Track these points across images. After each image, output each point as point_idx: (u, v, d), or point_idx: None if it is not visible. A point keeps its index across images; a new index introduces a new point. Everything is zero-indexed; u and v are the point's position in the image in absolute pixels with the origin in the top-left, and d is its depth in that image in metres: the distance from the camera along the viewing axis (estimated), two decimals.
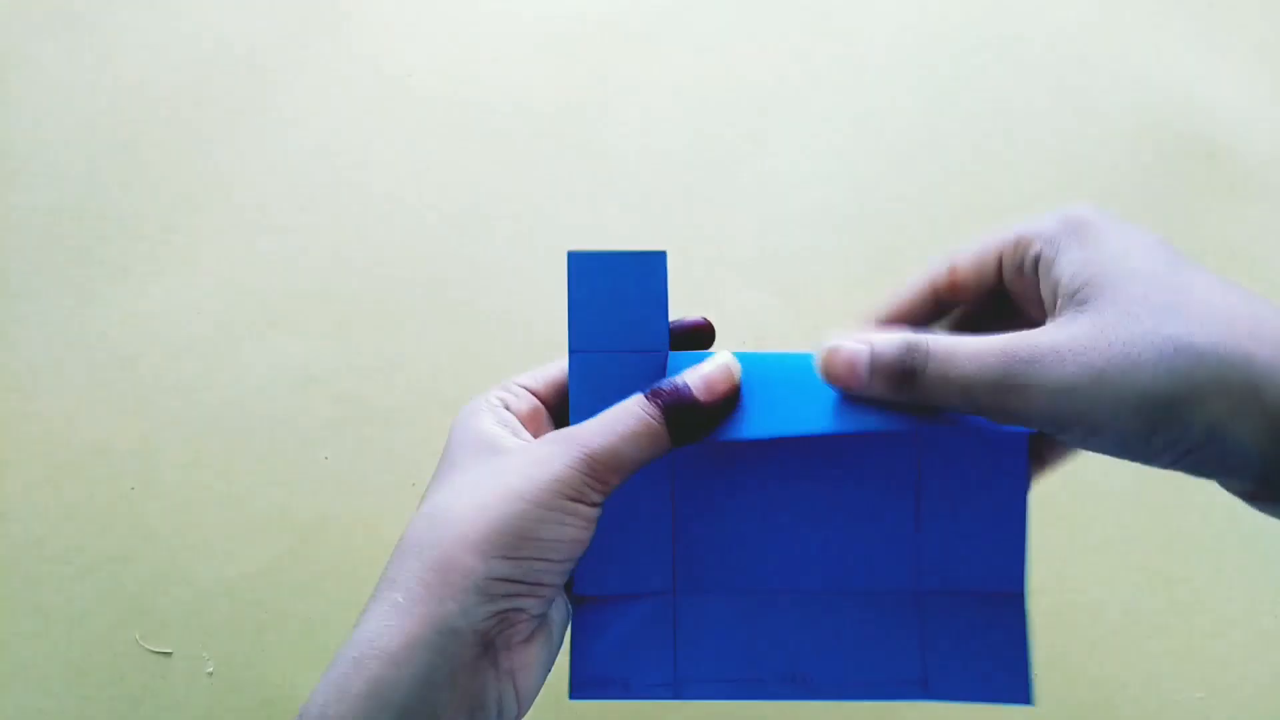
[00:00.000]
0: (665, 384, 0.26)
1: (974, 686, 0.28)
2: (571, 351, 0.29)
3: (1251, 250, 0.52)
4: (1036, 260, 0.26)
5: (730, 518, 0.29)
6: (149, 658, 0.42)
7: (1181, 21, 0.58)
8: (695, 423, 0.26)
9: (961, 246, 0.28)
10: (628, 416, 0.26)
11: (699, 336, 0.30)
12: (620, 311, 0.29)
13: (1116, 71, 0.56)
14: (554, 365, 0.31)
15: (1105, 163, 0.54)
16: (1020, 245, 0.26)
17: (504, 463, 0.26)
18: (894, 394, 0.25)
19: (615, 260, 0.29)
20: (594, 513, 0.26)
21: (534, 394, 0.30)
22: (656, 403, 0.26)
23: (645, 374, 0.28)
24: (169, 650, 0.42)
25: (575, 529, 0.25)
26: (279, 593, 0.43)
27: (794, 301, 0.49)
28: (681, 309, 0.51)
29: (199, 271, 0.50)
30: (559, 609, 0.28)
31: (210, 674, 0.42)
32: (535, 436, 0.29)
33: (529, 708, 0.26)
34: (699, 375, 0.27)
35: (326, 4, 0.58)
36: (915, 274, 0.29)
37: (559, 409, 0.31)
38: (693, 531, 0.29)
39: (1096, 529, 0.45)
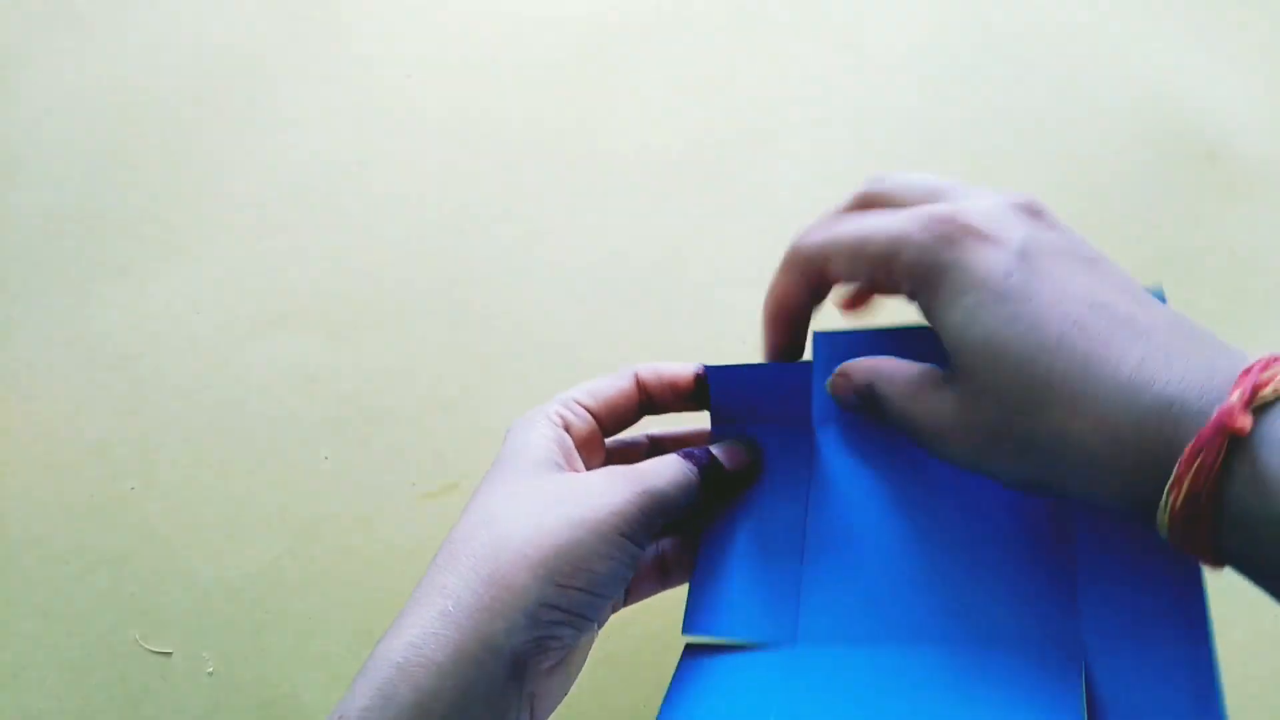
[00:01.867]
0: (696, 451, 0.29)
1: None
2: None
3: (1251, 250, 0.51)
4: (909, 295, 0.25)
5: (859, 564, 0.28)
6: (149, 658, 0.42)
7: (1181, 22, 0.58)
8: (722, 484, 0.29)
9: (826, 237, 0.26)
10: (673, 467, 0.28)
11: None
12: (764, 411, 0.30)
13: (1116, 71, 0.56)
14: (607, 382, 0.32)
15: (1105, 162, 0.54)
16: (888, 274, 0.25)
17: (564, 487, 0.27)
18: (869, 414, 0.28)
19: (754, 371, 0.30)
20: (639, 553, 0.27)
21: (591, 413, 0.31)
22: (691, 463, 0.29)
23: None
24: (169, 650, 0.42)
25: (623, 565, 0.26)
26: (279, 593, 0.43)
27: None
28: (683, 309, 0.51)
29: (199, 271, 0.50)
30: (585, 643, 0.29)
31: (210, 674, 0.42)
32: (590, 459, 0.30)
33: None
34: (722, 447, 0.30)
35: (326, 5, 0.58)
36: (793, 253, 0.28)
37: (612, 429, 0.32)
38: (819, 579, 0.28)
39: None
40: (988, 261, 0.23)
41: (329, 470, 0.45)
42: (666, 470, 0.28)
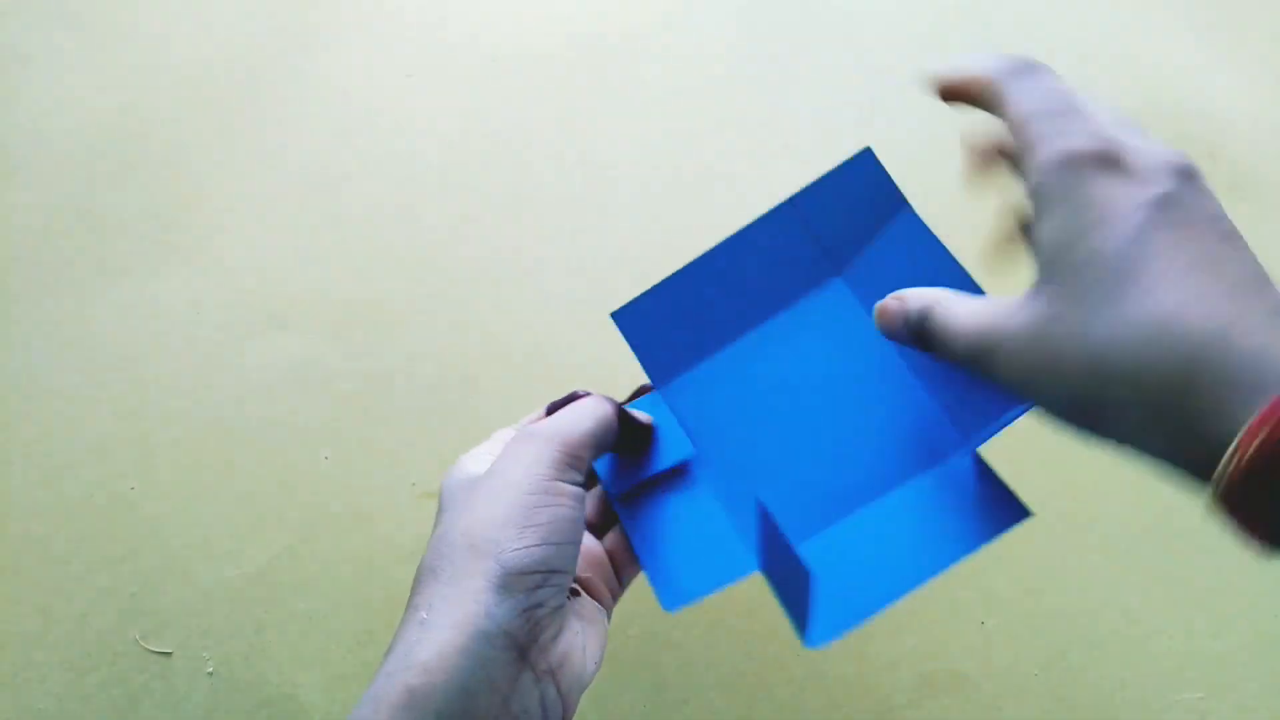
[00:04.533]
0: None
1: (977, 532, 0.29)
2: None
3: (1252, 250, 0.51)
4: (1029, 191, 0.25)
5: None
6: (149, 658, 0.42)
7: (1182, 22, 0.58)
8: (631, 428, 0.32)
9: (1026, 88, 0.26)
10: (590, 404, 0.31)
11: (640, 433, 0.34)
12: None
13: (1116, 71, 0.56)
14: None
15: None
16: (1023, 154, 0.25)
17: (486, 478, 0.29)
18: (917, 345, 0.28)
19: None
20: (579, 492, 0.29)
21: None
22: (610, 402, 0.31)
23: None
24: (169, 650, 0.42)
25: (567, 508, 0.28)
26: (279, 593, 0.43)
27: None
28: None
29: (199, 271, 0.50)
30: (600, 610, 0.30)
31: (210, 674, 0.42)
32: None
33: (575, 705, 0.27)
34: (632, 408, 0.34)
35: (327, 6, 0.58)
36: (982, 60, 0.28)
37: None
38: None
39: (1097, 529, 0.45)
40: (1119, 196, 0.23)
41: (329, 470, 0.46)
42: (583, 409, 0.30)
